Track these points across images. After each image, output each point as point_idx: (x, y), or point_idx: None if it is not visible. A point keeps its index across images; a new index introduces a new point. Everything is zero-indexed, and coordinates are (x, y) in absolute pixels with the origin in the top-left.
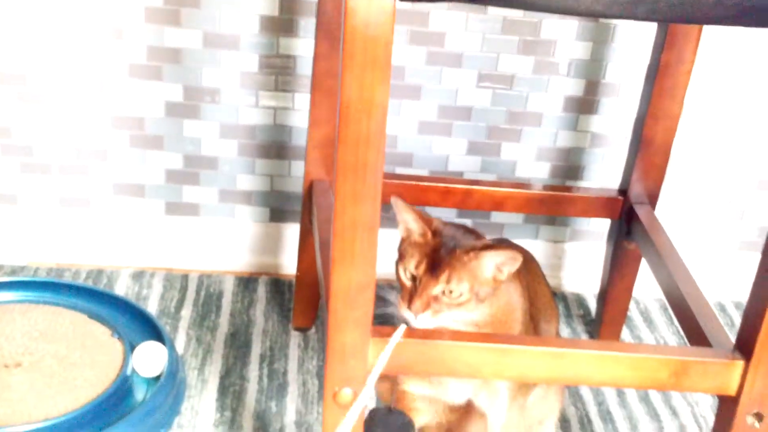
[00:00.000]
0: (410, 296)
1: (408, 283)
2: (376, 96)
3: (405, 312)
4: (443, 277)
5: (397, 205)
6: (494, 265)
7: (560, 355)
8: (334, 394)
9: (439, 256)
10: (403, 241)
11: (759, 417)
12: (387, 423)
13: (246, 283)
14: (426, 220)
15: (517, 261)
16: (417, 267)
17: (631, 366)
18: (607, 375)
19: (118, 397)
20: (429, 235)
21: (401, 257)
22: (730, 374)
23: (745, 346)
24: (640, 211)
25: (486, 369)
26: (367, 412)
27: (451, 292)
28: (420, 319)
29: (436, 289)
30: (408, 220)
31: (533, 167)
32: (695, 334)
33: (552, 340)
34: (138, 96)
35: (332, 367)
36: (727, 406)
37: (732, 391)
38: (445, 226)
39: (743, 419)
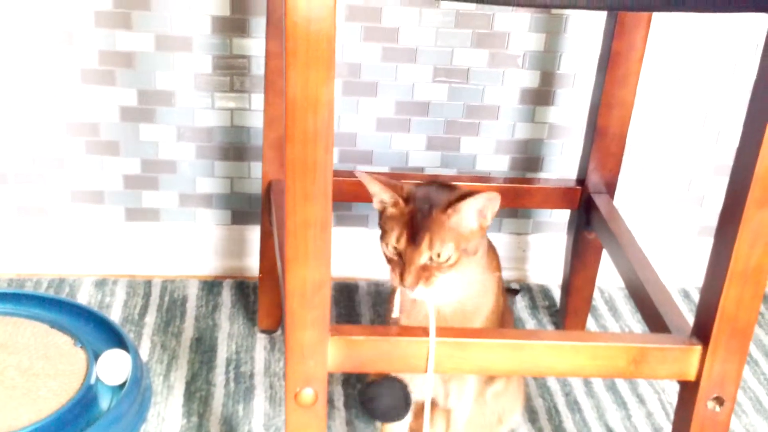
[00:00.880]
0: (400, 271)
1: (395, 258)
2: (321, 93)
3: (400, 287)
4: (425, 244)
5: (363, 178)
6: (476, 212)
7: (520, 346)
8: (296, 395)
9: (416, 223)
10: (380, 215)
11: (719, 401)
12: (392, 390)
13: (210, 287)
14: (395, 187)
15: (496, 200)
16: (398, 240)
17: (590, 355)
18: (567, 365)
19: (83, 406)
20: (401, 202)
21: (383, 233)
22: (688, 360)
23: (702, 332)
24: (599, 201)
25: (446, 363)
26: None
27: (438, 255)
28: (417, 292)
29: (422, 258)
30: (377, 191)
31: (493, 160)
32: (655, 320)
33: (511, 332)
34: (92, 101)
35: (292, 367)
36: (687, 392)
37: (691, 376)
38: (418, 189)
39: (704, 404)
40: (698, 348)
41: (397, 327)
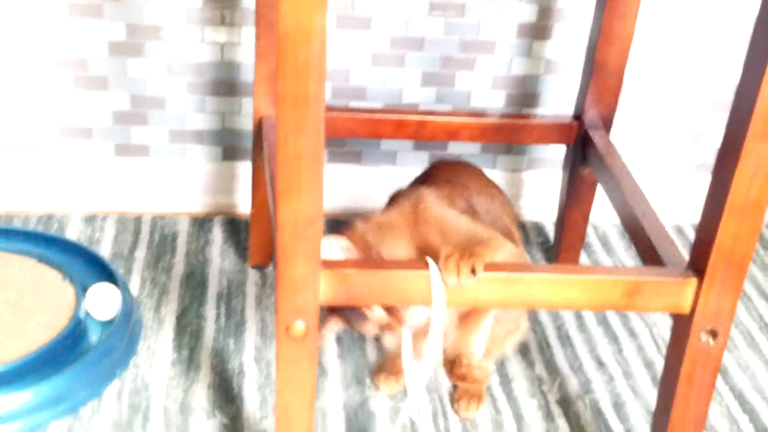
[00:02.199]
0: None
1: None
2: (313, 24)
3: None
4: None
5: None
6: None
7: (514, 279)
8: (287, 328)
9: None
10: None
11: (713, 334)
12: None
13: (201, 223)
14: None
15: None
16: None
17: (583, 288)
18: (560, 297)
19: (72, 340)
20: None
21: None
22: (683, 292)
23: (698, 265)
24: (595, 136)
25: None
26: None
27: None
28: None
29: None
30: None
31: (488, 96)
32: (649, 254)
33: (505, 265)
34: (79, 36)
35: (283, 300)
36: (681, 325)
37: (686, 309)
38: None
39: (697, 337)
40: (693, 281)
41: (390, 261)
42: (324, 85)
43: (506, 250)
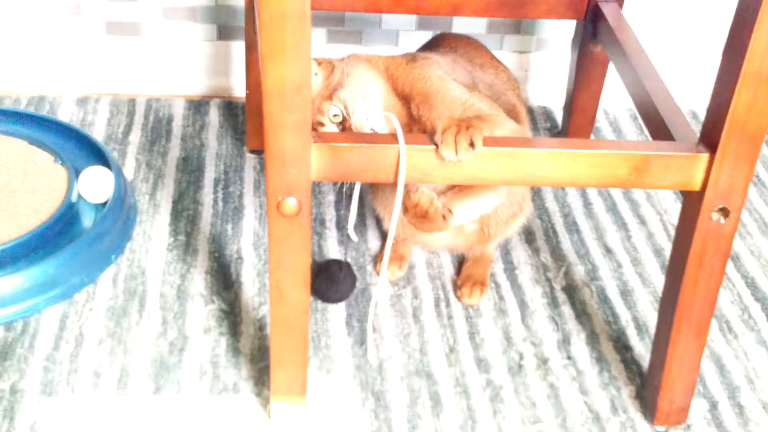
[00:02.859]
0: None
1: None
2: None
3: (451, 156)
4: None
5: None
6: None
7: (514, 154)
8: (278, 204)
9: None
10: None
11: (725, 212)
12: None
13: (197, 106)
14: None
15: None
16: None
17: (588, 163)
18: (563, 174)
19: (64, 223)
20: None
21: None
22: (694, 168)
23: (710, 138)
24: (606, 10)
25: (436, 172)
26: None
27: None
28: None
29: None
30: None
31: None
32: (660, 130)
33: (505, 139)
34: None
35: (273, 176)
36: (691, 203)
37: (696, 186)
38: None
39: (708, 215)
40: (705, 156)
41: (383, 134)
42: None
43: (506, 128)
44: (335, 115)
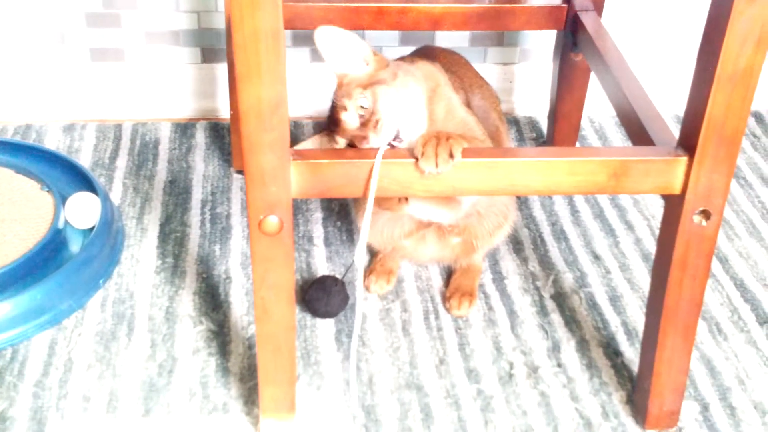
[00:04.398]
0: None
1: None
2: None
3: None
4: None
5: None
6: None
7: (493, 165)
8: (260, 223)
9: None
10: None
11: (706, 215)
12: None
13: (183, 129)
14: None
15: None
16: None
17: (568, 171)
18: (544, 182)
19: (51, 250)
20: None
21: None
22: (673, 171)
23: (688, 141)
24: (586, 19)
25: (417, 185)
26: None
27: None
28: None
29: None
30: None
31: None
32: (640, 135)
33: (484, 151)
34: None
35: (253, 195)
36: (672, 206)
37: (676, 189)
38: None
39: (689, 218)
40: (684, 159)
41: (362, 150)
42: None
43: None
44: (362, 107)
